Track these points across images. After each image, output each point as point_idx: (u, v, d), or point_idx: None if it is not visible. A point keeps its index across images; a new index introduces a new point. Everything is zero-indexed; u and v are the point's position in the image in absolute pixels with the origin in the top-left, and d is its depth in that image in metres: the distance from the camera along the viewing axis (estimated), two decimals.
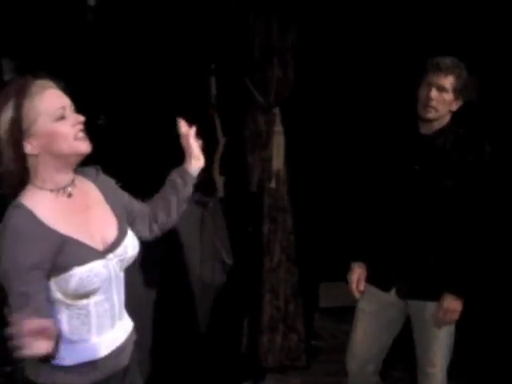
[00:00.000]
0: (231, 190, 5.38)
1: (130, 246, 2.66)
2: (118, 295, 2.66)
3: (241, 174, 5.39)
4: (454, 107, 3.74)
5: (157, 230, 2.96)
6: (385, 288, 3.89)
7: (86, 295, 2.49)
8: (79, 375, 2.53)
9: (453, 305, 3.79)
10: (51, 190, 2.47)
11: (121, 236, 2.63)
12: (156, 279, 4.86)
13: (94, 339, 2.55)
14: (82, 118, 2.47)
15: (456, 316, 3.82)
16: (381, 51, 5.74)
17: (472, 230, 3.77)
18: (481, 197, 3.77)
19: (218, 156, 5.57)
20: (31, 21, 5.59)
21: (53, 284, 2.42)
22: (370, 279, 3.96)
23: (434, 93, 3.65)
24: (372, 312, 3.96)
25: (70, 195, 2.52)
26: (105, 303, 2.58)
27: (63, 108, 2.43)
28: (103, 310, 2.57)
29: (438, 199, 3.74)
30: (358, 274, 3.96)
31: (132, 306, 2.84)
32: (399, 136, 3.86)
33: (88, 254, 2.47)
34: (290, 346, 5.54)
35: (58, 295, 2.44)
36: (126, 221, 2.73)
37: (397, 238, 3.82)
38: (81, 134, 2.45)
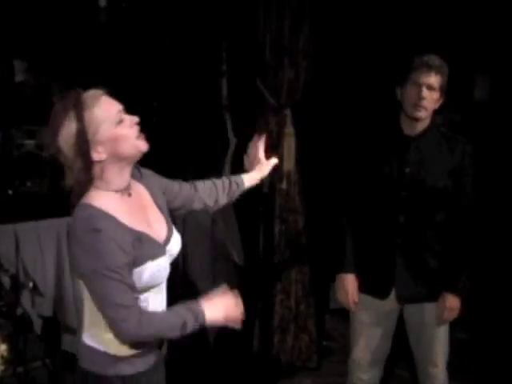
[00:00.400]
0: None
1: (175, 243, 2.79)
2: (165, 288, 2.79)
3: None
4: (437, 105, 3.74)
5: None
6: (383, 295, 3.85)
7: (151, 288, 2.64)
8: (136, 364, 2.67)
9: (454, 303, 3.80)
10: (115, 191, 2.58)
11: (170, 233, 2.76)
12: (168, 280, 4.86)
13: None
14: (137, 119, 2.59)
15: (456, 313, 3.83)
16: (391, 51, 5.73)
17: (464, 227, 3.80)
18: (470, 194, 3.80)
19: (229, 156, 5.58)
20: (42, 22, 5.62)
21: None
22: (366, 289, 3.90)
23: (425, 92, 3.63)
24: (372, 323, 3.92)
25: (130, 195, 2.64)
26: (159, 295, 2.72)
27: (120, 112, 2.54)
28: (158, 301, 2.72)
29: (431, 200, 3.74)
30: (353, 285, 3.92)
31: None
32: (385, 141, 3.83)
33: (157, 249, 2.62)
34: (301, 346, 5.55)
35: None
36: (170, 217, 2.84)
37: (392, 243, 3.78)
38: (138, 133, 2.57)
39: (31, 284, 4.49)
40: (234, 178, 3.22)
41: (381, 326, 3.93)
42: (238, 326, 2.69)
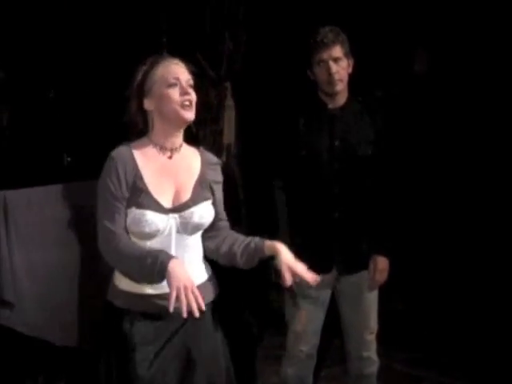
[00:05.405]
0: None
1: (197, 215, 2.96)
2: (178, 252, 2.91)
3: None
4: (350, 69, 3.82)
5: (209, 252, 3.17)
6: (326, 270, 3.87)
7: (142, 236, 2.87)
8: (140, 303, 2.89)
9: (383, 264, 3.89)
10: (157, 146, 2.94)
11: (191, 202, 2.95)
12: None
13: None
14: (192, 96, 2.91)
15: (386, 275, 3.92)
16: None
17: (388, 192, 3.90)
18: (392, 159, 3.92)
19: None
20: None
21: None
22: (306, 266, 3.90)
23: (333, 67, 3.72)
24: (312, 296, 3.92)
25: (170, 157, 2.96)
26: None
27: (177, 79, 2.90)
28: None
29: (361, 169, 3.82)
30: None
31: None
32: (313, 116, 3.88)
33: (149, 203, 2.86)
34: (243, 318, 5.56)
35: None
36: (205, 195, 3.03)
37: (328, 218, 3.83)
38: (187, 103, 2.89)
39: None
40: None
41: (319, 298, 3.96)
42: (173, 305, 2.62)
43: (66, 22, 5.94)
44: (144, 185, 2.86)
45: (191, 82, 2.95)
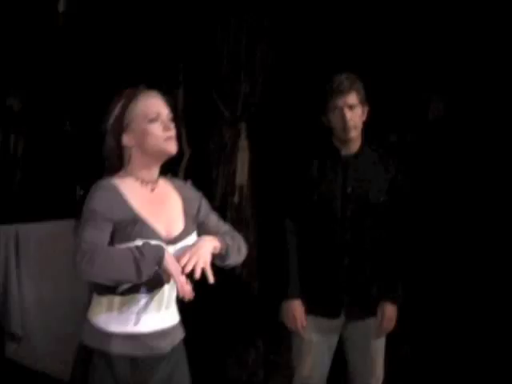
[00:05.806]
0: None
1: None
2: (171, 286, 2.87)
3: (204, 188, 5.37)
4: (365, 117, 3.87)
5: None
6: (334, 315, 3.88)
7: None
8: (121, 344, 2.79)
9: (392, 312, 3.90)
10: (138, 179, 2.88)
11: (184, 234, 2.91)
12: None
13: (140, 314, 2.82)
14: (173, 131, 2.88)
15: (393, 323, 3.92)
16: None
17: (399, 240, 3.92)
18: (405, 208, 3.94)
19: (182, 168, 5.55)
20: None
21: None
22: (315, 311, 3.91)
23: (348, 113, 3.76)
24: (319, 341, 3.92)
25: (152, 190, 2.91)
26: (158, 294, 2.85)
27: (158, 114, 2.85)
28: (156, 298, 2.85)
29: (373, 217, 3.85)
30: (300, 310, 3.91)
31: None
32: (325, 162, 3.90)
33: (151, 234, 2.78)
34: (248, 360, 5.53)
35: None
36: (194, 226, 3.00)
37: (339, 264, 3.83)
38: (169, 138, 2.85)
39: None
40: None
41: (326, 343, 3.95)
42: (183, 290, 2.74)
43: (83, 56, 5.99)
44: (139, 217, 2.78)
45: (170, 115, 2.90)
